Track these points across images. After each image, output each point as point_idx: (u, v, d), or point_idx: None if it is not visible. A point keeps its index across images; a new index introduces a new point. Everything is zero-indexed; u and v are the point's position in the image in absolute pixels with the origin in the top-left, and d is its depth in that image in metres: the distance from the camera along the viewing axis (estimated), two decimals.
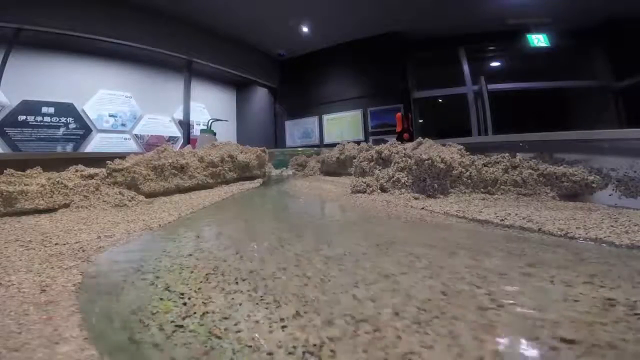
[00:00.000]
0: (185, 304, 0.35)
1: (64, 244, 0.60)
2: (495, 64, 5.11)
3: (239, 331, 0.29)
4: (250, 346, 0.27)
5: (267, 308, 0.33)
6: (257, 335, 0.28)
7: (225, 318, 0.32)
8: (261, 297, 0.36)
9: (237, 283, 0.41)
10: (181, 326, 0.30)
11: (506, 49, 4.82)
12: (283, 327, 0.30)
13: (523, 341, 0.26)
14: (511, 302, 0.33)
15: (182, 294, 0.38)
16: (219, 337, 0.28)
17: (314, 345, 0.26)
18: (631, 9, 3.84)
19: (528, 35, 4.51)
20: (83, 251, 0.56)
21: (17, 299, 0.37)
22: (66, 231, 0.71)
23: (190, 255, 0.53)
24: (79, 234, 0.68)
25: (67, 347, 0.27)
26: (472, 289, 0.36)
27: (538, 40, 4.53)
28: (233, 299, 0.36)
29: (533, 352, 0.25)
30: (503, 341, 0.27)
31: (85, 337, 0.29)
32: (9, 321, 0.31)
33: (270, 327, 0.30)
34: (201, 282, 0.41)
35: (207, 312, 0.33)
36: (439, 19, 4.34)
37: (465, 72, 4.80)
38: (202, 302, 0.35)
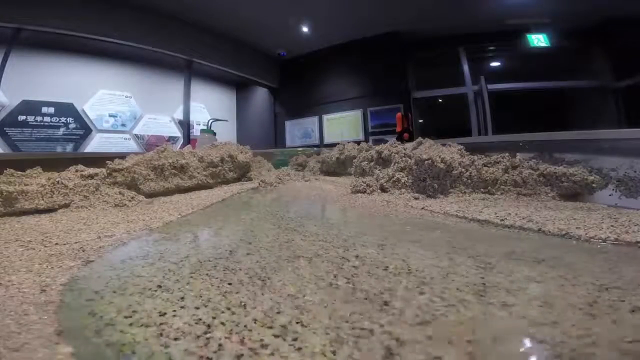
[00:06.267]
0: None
1: (64, 244, 0.60)
2: (495, 64, 5.10)
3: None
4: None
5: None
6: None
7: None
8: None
9: (230, 284, 0.41)
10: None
11: (506, 49, 4.82)
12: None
13: None
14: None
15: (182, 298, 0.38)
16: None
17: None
18: (631, 9, 3.83)
19: (528, 35, 4.51)
20: (83, 251, 0.56)
21: (17, 299, 0.37)
22: (66, 231, 0.71)
23: (188, 257, 0.53)
24: (79, 234, 0.68)
25: (68, 348, 0.27)
26: None
27: (538, 40, 4.53)
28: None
29: None
30: None
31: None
32: (9, 321, 0.31)
33: None
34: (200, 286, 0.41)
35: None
36: (439, 19, 4.34)
37: (465, 72, 4.80)
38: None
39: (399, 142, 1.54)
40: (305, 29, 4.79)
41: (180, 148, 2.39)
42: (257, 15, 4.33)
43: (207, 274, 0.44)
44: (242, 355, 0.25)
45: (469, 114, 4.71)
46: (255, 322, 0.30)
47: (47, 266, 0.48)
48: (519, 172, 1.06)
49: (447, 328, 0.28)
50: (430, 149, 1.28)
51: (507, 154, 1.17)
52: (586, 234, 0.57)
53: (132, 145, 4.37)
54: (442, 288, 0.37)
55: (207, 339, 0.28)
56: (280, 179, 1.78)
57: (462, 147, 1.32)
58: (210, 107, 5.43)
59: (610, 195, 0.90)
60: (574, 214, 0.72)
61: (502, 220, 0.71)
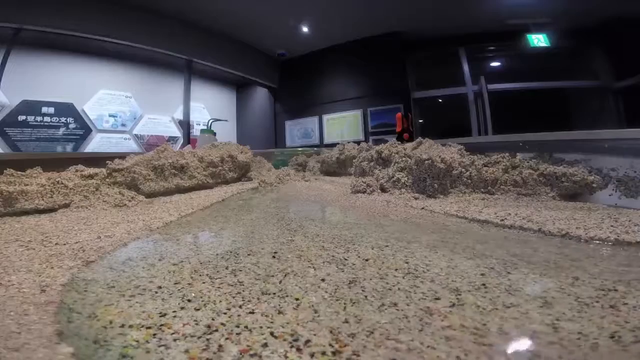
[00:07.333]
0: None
1: (64, 244, 0.60)
2: (495, 64, 5.10)
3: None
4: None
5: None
6: None
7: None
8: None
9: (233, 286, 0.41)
10: None
11: (506, 49, 4.82)
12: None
13: None
14: None
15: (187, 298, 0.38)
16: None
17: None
18: (631, 9, 3.83)
19: (528, 35, 4.51)
20: (83, 251, 0.56)
21: (17, 299, 0.37)
22: (66, 231, 0.71)
23: (188, 257, 0.53)
24: (79, 234, 0.68)
25: (69, 348, 0.27)
26: None
27: (538, 40, 4.52)
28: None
29: None
30: None
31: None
32: (9, 321, 0.31)
33: None
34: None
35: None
36: (439, 19, 4.34)
37: (465, 72, 4.80)
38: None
39: (399, 142, 1.53)
40: (305, 29, 4.78)
41: (180, 148, 2.39)
42: (257, 15, 4.33)
43: (207, 275, 0.44)
44: (242, 356, 0.25)
45: (469, 114, 4.71)
46: (255, 323, 0.30)
47: (47, 266, 0.48)
48: (519, 172, 1.06)
49: (448, 327, 0.28)
50: (430, 149, 1.28)
51: (507, 154, 1.16)
52: (586, 234, 0.57)
53: (132, 145, 4.37)
54: (443, 289, 0.37)
55: (208, 340, 0.28)
56: (280, 179, 1.78)
57: (462, 147, 1.32)
58: (210, 107, 5.42)
59: (610, 195, 0.90)
60: (574, 214, 0.72)
61: (502, 220, 0.71)
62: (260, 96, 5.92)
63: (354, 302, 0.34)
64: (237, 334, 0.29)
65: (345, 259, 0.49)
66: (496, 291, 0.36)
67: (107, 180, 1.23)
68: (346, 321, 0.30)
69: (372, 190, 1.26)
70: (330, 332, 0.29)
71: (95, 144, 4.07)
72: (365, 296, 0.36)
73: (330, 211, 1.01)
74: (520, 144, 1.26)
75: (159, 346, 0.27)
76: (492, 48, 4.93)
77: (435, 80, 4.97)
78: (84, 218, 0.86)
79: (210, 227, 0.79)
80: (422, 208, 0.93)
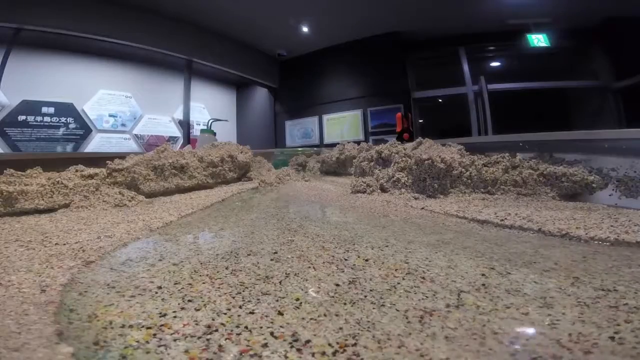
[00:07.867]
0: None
1: (64, 244, 0.60)
2: (495, 64, 5.10)
3: None
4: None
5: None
6: None
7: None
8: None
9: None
10: None
11: (506, 49, 4.81)
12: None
13: None
14: None
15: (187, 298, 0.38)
16: None
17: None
18: (631, 9, 3.83)
19: (528, 35, 4.51)
20: (83, 251, 0.56)
21: (17, 299, 0.37)
22: (66, 231, 0.71)
23: (188, 258, 0.53)
24: (79, 234, 0.68)
25: (69, 348, 0.27)
26: None
27: (538, 40, 4.52)
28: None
29: None
30: None
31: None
32: (9, 321, 0.31)
33: None
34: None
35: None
36: (439, 19, 4.34)
37: (465, 72, 4.80)
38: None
39: (399, 142, 1.53)
40: (305, 29, 4.78)
41: (180, 148, 2.39)
42: (257, 15, 4.33)
43: (207, 275, 0.44)
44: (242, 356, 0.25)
45: (469, 114, 4.71)
46: (255, 323, 0.30)
47: (47, 266, 0.48)
48: (519, 172, 1.06)
49: (448, 328, 0.28)
50: (430, 149, 1.28)
51: (507, 154, 1.16)
52: (586, 234, 0.57)
53: (132, 145, 4.37)
54: (443, 289, 0.37)
55: (208, 340, 0.28)
56: (280, 179, 1.78)
57: (462, 147, 1.32)
58: (210, 107, 5.42)
59: (610, 195, 0.90)
60: (574, 214, 0.72)
61: (502, 220, 0.71)
62: (260, 96, 5.92)
63: (353, 303, 0.34)
64: (237, 334, 0.29)
65: (346, 259, 0.49)
66: (496, 291, 0.36)
67: (107, 180, 1.23)
68: (346, 321, 0.30)
69: (372, 190, 1.26)
70: (330, 332, 0.29)
71: (95, 144, 4.07)
72: (365, 296, 0.36)
73: (330, 211, 1.01)
74: (520, 144, 1.26)
75: (159, 346, 0.27)
76: (492, 48, 4.93)
77: (435, 80, 4.97)
78: (84, 218, 0.86)
79: (210, 227, 0.79)
80: (422, 208, 0.93)
